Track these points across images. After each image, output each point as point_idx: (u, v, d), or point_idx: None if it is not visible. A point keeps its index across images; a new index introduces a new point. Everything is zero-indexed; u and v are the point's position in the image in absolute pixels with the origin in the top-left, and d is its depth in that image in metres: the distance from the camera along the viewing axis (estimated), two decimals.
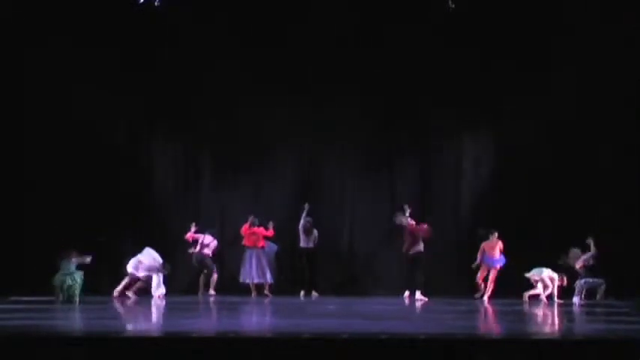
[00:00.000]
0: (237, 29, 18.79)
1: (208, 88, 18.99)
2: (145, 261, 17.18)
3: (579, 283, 17.11)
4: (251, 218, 18.41)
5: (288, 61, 18.95)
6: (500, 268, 17.45)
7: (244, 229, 18.42)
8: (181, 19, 18.53)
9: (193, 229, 18.39)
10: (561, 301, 17.06)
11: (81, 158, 18.64)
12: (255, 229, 18.40)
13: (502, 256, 17.46)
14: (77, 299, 16.22)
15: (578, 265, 17.08)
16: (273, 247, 18.58)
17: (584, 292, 17.18)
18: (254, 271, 18.25)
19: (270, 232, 18.38)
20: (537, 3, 18.27)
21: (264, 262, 18.29)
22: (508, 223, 18.38)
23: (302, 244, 18.52)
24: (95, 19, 18.34)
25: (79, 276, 16.41)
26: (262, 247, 18.37)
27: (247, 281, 18.39)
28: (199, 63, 18.88)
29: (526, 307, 16.50)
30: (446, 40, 18.65)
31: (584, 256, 17.13)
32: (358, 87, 18.98)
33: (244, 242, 18.45)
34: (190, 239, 18.41)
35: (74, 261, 16.47)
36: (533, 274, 17.20)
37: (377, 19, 18.62)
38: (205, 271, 18.31)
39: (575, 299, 16.94)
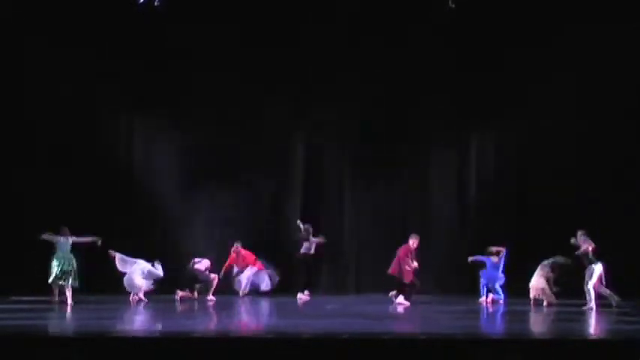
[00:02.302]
0: (237, 30, 18.76)
1: (206, 88, 18.93)
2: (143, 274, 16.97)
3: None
4: (235, 247, 18.10)
5: (286, 61, 18.92)
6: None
7: (231, 259, 18.17)
8: (181, 21, 18.52)
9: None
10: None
11: (80, 158, 18.61)
12: (243, 255, 18.15)
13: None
14: (71, 283, 16.05)
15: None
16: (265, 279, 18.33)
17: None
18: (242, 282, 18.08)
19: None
20: (538, 3, 18.25)
21: (252, 279, 18.12)
22: (509, 223, 18.42)
23: (303, 250, 18.30)
24: (96, 19, 18.32)
25: (74, 261, 16.20)
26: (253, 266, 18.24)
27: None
28: (196, 62, 18.83)
29: (529, 307, 16.48)
30: (446, 39, 18.63)
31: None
32: (358, 86, 18.96)
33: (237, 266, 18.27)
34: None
35: (70, 240, 16.25)
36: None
37: (376, 18, 18.59)
38: (198, 286, 17.68)
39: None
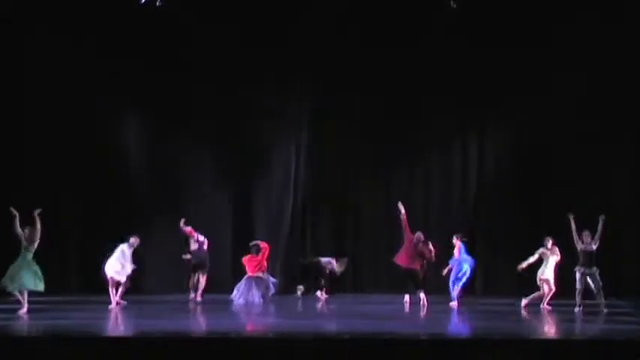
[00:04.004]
0: (237, 30, 18.77)
1: (205, 87, 18.94)
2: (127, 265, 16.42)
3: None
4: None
5: (286, 61, 18.94)
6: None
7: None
8: (182, 20, 18.52)
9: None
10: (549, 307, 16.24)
11: (78, 158, 18.61)
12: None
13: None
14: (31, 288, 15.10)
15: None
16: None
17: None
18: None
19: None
20: (538, 3, 18.26)
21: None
22: (508, 222, 18.44)
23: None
24: (96, 18, 18.32)
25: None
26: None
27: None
28: (196, 62, 18.83)
29: (525, 307, 16.47)
30: (447, 39, 18.63)
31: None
32: (358, 87, 18.96)
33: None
34: (190, 233, 17.41)
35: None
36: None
37: (376, 18, 18.59)
38: (199, 273, 17.36)
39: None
